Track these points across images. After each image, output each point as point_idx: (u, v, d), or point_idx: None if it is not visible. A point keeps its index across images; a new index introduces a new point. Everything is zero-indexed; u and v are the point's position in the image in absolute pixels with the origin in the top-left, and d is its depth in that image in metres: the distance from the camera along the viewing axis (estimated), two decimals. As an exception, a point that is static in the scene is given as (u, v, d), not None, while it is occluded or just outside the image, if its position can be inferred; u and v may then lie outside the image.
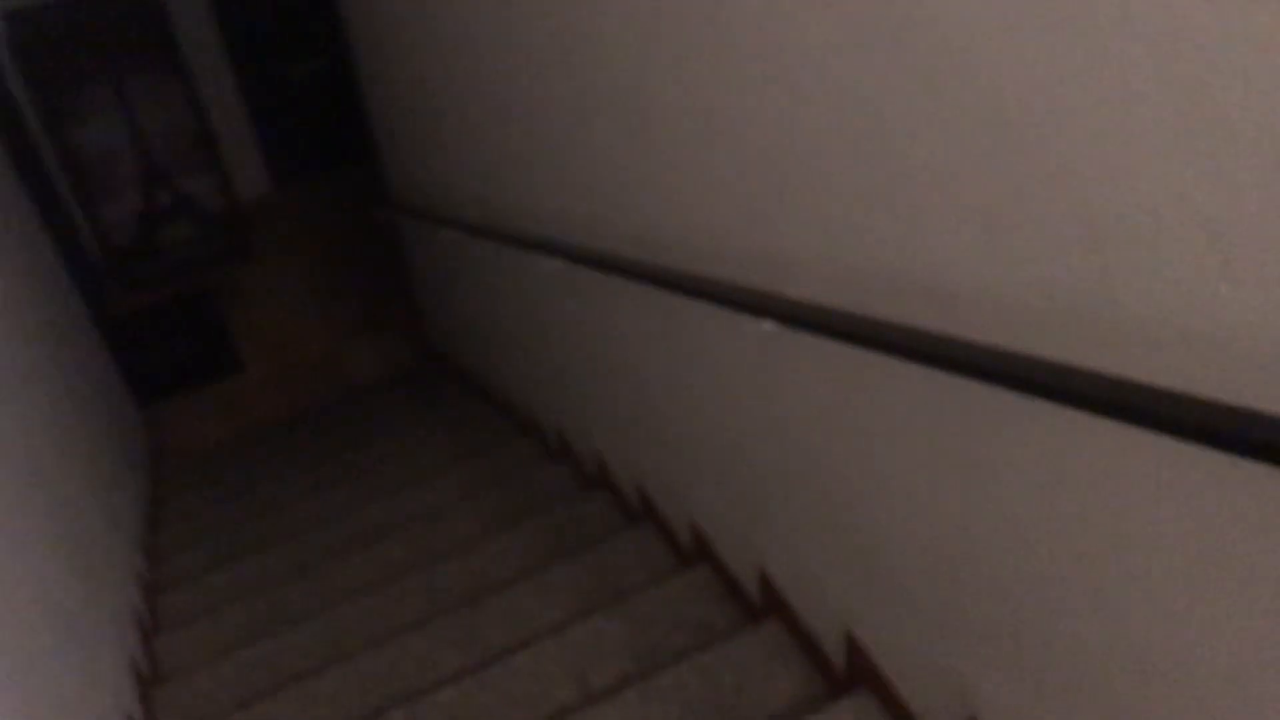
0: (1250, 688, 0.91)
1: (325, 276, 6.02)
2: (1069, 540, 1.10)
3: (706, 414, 2.05)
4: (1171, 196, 0.81)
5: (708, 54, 1.44)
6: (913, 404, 1.31)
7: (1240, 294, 0.78)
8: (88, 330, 4.44)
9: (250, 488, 4.17)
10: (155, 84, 5.55)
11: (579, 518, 2.83)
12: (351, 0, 4.07)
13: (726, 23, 1.35)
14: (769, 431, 1.79)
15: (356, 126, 4.89)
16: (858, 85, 1.13)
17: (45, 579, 2.24)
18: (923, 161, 1.08)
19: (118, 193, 5.71)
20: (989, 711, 1.40)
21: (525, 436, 3.62)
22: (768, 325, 1.49)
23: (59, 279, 4.23)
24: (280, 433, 4.97)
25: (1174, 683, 1.01)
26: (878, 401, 1.40)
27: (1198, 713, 0.99)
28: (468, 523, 3.05)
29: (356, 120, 4.81)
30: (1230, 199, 0.76)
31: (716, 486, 2.18)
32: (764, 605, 2.12)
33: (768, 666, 2.00)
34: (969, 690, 1.43)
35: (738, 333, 1.65)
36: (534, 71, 2.22)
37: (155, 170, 5.71)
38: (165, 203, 5.81)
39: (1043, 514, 1.13)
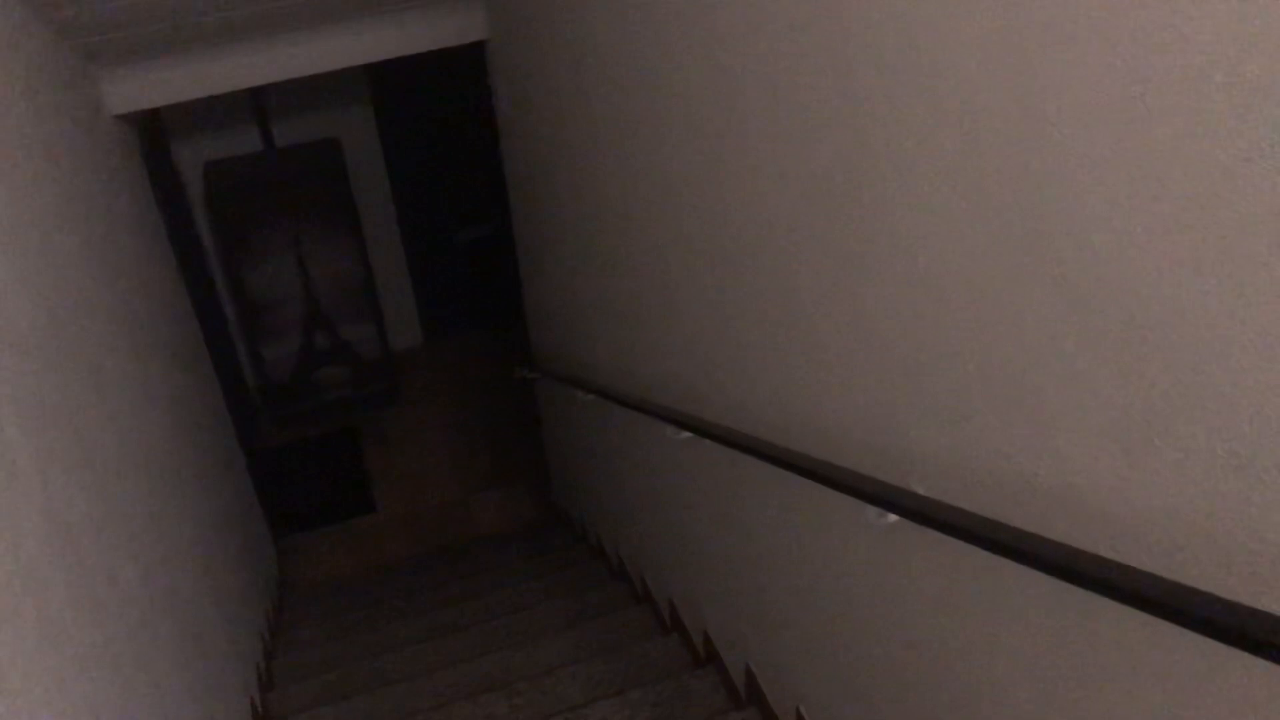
0: None
1: (463, 428, 6.23)
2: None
3: (820, 599, 2.03)
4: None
5: (854, 253, 1.49)
6: (1033, 612, 1.28)
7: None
8: (238, 459, 4.69)
9: (368, 625, 4.25)
10: (328, 235, 5.96)
11: (684, 694, 2.78)
12: (512, 178, 4.37)
13: (875, 221, 1.40)
14: (882, 623, 1.76)
15: (509, 291, 5.15)
16: (997, 291, 1.16)
17: (165, 698, 2.32)
18: (1059, 370, 1.08)
19: (281, 333, 6.09)
20: None
21: (639, 604, 3.61)
22: (891, 518, 1.50)
23: (219, 408, 4.51)
24: (403, 574, 5.08)
25: None
26: (997, 606, 1.37)
27: None
28: (574, 686, 3.03)
29: (510, 285, 5.07)
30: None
31: (824, 674, 2.12)
32: (869, 809, 2.02)
33: None
34: None
35: (859, 522, 1.65)
36: (674, 255, 2.33)
37: (318, 315, 6.08)
38: (324, 346, 6.16)
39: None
